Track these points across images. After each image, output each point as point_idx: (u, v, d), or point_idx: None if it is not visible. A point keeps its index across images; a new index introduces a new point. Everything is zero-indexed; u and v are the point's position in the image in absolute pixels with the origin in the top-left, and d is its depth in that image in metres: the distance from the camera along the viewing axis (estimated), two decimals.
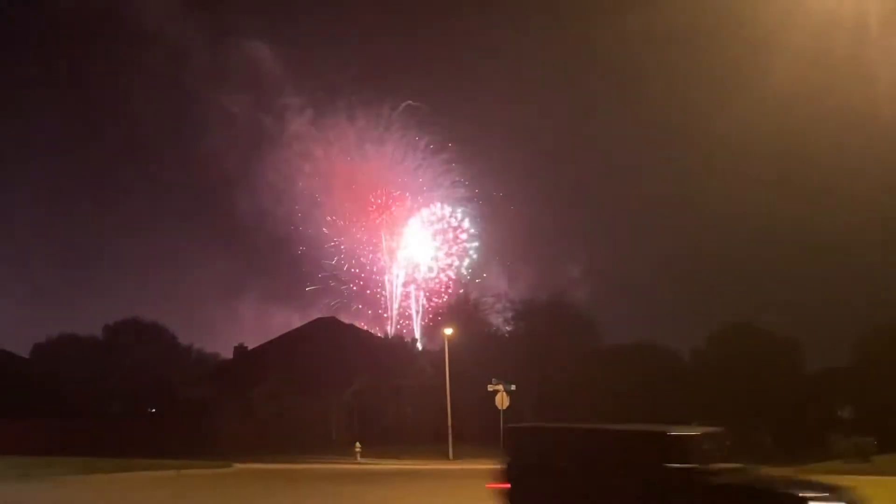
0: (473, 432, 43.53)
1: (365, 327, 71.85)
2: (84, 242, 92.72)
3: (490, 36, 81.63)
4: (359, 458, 39.08)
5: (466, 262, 78.02)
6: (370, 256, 79.86)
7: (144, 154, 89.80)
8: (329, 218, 79.95)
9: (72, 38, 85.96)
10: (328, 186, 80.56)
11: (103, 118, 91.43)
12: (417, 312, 76.67)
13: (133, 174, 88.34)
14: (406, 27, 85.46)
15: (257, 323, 79.82)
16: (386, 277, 79.17)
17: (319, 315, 68.49)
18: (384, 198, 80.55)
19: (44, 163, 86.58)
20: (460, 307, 58.65)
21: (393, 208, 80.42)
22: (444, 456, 39.75)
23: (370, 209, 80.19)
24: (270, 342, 62.68)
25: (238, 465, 34.30)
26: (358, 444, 39.92)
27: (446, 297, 72.78)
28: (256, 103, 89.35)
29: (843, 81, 42.17)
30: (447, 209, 79.52)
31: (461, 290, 68.61)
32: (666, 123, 67.77)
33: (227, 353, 63.18)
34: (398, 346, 62.23)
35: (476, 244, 78.53)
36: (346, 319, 69.08)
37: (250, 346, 61.06)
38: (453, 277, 77.24)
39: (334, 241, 79.50)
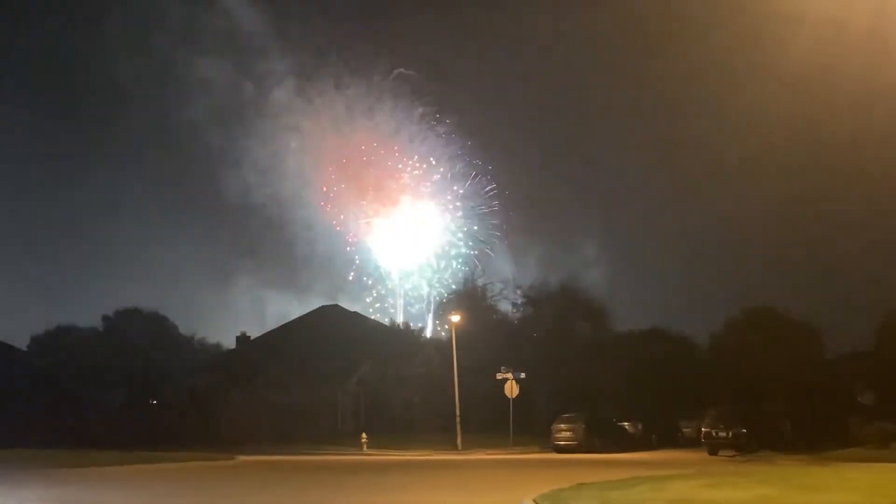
0: (482, 422, 42.57)
1: (369, 314, 70.28)
2: (76, 231, 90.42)
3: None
4: (365, 449, 38.18)
5: (471, 243, 75.57)
6: (370, 238, 76.48)
7: (123, 129, 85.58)
8: (322, 196, 75.88)
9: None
10: (318, 162, 76.54)
11: (71, 90, 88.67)
12: (424, 298, 74.77)
13: (114, 151, 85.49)
14: None
15: (257, 311, 77.82)
16: (388, 261, 76.71)
17: (321, 302, 67.02)
18: (380, 174, 76.28)
19: (21, 150, 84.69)
20: (468, 293, 57.32)
21: (391, 186, 76.21)
22: (452, 446, 38.73)
23: (365, 186, 76.06)
24: (273, 331, 61.75)
25: (242, 457, 33.49)
26: (364, 436, 38.98)
27: (453, 281, 70.65)
28: (237, 69, 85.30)
29: (862, 55, 40.73)
30: (449, 186, 75.79)
31: (468, 275, 66.60)
32: (682, 100, 66.20)
33: (229, 343, 62.24)
34: (404, 334, 60.98)
35: (478, 226, 76.18)
36: (349, 306, 67.54)
37: (253, 335, 60.12)
38: (460, 261, 75.12)
39: (331, 223, 75.90)
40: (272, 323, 65.79)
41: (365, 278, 75.83)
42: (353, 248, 76.16)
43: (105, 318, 59.88)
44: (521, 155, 78.77)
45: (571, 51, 75.85)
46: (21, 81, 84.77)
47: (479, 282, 60.12)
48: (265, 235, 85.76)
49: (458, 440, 38.96)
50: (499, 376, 41.14)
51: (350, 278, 75.66)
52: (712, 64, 61.76)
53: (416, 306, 74.71)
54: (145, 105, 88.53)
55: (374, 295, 75.57)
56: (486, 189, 76.05)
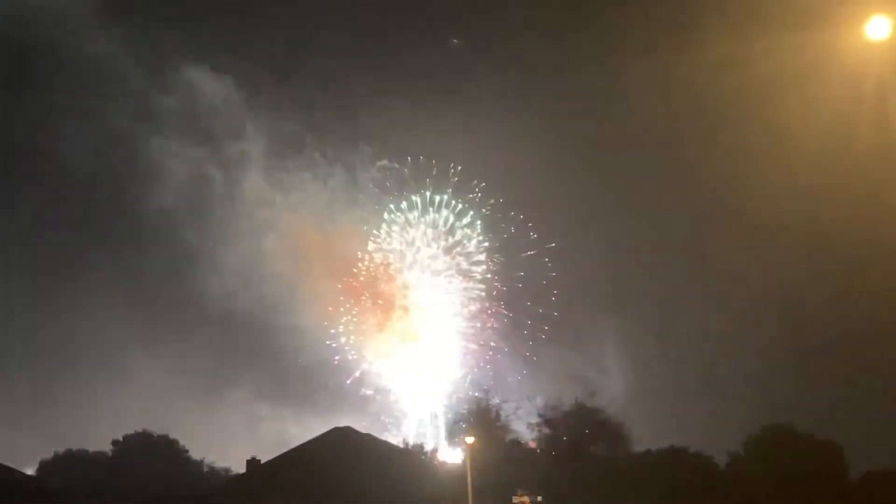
0: None
1: (371, 429, 67.62)
2: (82, 354, 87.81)
3: (485, 76, 73.99)
4: None
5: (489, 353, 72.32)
6: (367, 347, 71.03)
7: (93, 227, 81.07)
8: (310, 301, 70.50)
9: None
10: (304, 263, 71.19)
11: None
12: (436, 419, 72.33)
13: (88, 255, 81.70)
14: (381, 64, 77.64)
15: (258, 428, 73.52)
16: (389, 371, 73.38)
17: (320, 415, 64.96)
18: (372, 272, 71.03)
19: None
20: (481, 412, 56.31)
21: (384, 288, 71.05)
22: None
23: (357, 286, 70.65)
24: (285, 454, 60.51)
25: None
26: None
27: (465, 399, 68.15)
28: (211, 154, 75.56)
29: (866, 171, 41.56)
30: (449, 290, 70.95)
31: (482, 393, 64.99)
32: (688, 210, 66.14)
33: (240, 467, 60.92)
34: (417, 456, 59.70)
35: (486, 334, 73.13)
36: (351, 419, 64.99)
37: (263, 459, 58.98)
38: (469, 375, 72.14)
39: (323, 330, 70.32)
40: (276, 440, 63.87)
41: (362, 392, 72.37)
42: (349, 358, 71.83)
43: (115, 443, 59.16)
44: (524, 255, 74.86)
45: (575, 163, 74.32)
46: None
47: (493, 401, 59.01)
48: (255, 344, 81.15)
49: None
50: (515, 500, 40.20)
51: (349, 390, 71.13)
52: (722, 174, 61.59)
53: (426, 419, 71.43)
54: (115, 199, 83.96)
55: (375, 404, 71.74)
56: (492, 292, 72.73)
